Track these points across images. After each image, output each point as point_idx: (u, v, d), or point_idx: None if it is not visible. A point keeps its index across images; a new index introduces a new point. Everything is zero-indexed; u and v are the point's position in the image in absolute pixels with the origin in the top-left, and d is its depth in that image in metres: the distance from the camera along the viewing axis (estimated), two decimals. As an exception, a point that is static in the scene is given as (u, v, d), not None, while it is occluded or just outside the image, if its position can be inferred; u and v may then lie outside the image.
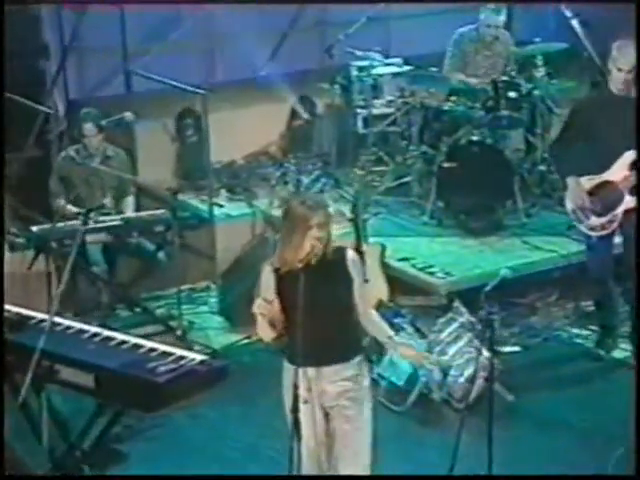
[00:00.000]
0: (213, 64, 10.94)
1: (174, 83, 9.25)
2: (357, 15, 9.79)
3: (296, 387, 5.23)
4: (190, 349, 7.92)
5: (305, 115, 10.28)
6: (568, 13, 9.28)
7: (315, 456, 5.48)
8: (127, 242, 8.14)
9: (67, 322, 6.00)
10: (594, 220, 7.59)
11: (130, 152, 8.64)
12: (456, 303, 7.86)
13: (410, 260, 8.46)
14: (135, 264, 8.43)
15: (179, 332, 8.10)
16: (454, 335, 7.60)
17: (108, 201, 8.12)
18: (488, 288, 6.21)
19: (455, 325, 7.67)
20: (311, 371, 5.39)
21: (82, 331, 5.89)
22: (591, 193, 7.55)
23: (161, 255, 8.26)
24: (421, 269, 8.33)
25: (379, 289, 7.99)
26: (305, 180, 9.38)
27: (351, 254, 5.46)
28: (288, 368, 5.41)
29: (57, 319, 5.96)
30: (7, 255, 7.93)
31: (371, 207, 9.36)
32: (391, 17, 10.31)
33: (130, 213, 8.29)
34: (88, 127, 8.20)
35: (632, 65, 7.28)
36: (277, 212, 9.11)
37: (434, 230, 9.04)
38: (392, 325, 7.71)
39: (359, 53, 9.61)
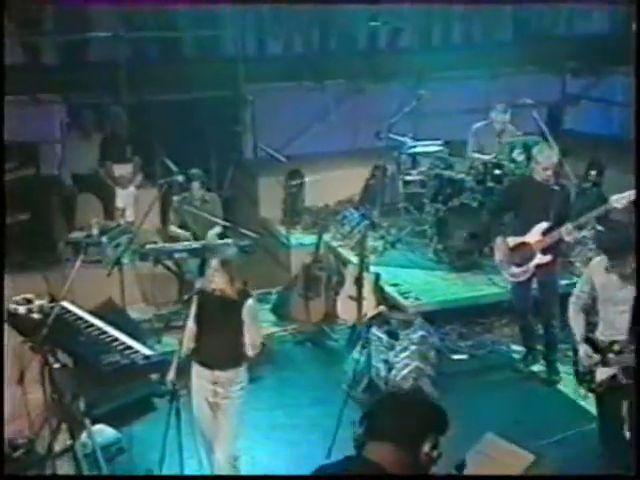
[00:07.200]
0: (356, 136, 10.51)
1: (272, 153, 8.82)
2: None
3: (173, 384, 4.73)
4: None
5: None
6: (536, 115, 8.14)
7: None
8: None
9: (90, 319, 5.58)
10: (513, 269, 6.68)
11: (221, 196, 8.25)
12: (417, 321, 7.05)
13: (398, 286, 7.62)
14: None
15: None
16: (407, 344, 6.81)
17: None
18: (368, 317, 5.49)
19: (412, 336, 6.89)
20: (207, 372, 4.89)
21: (92, 325, 5.50)
22: (513, 249, 6.62)
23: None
24: (401, 293, 7.47)
25: (369, 306, 7.21)
26: (353, 222, 8.67)
27: (249, 302, 4.88)
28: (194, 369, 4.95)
29: (84, 314, 5.63)
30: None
31: (401, 244, 8.60)
32: (427, 112, 9.38)
33: (213, 239, 7.84)
34: (195, 185, 7.88)
35: (548, 164, 6.43)
36: (335, 243, 8.61)
37: (433, 265, 8.13)
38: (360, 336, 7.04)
39: (398, 138, 8.77)
